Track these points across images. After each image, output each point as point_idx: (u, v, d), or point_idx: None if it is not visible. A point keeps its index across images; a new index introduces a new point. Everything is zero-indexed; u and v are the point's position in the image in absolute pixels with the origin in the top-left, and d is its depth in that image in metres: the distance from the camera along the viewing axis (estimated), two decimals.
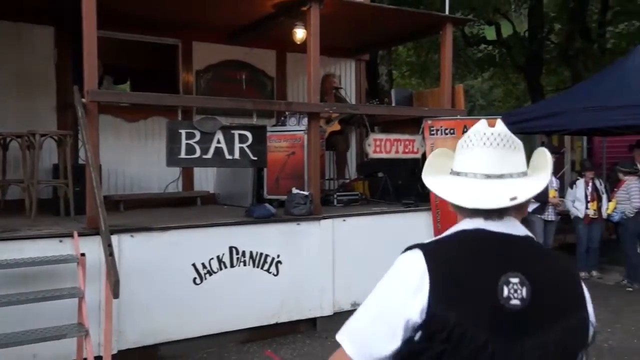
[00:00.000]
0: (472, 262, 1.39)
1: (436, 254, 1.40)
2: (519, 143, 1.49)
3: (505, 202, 1.40)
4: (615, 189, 7.92)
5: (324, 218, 5.95)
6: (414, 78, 22.47)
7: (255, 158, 5.58)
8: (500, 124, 1.50)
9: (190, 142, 5.25)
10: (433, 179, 1.56)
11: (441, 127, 6.71)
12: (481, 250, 1.41)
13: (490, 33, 18.63)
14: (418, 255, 1.41)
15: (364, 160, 8.85)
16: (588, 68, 17.13)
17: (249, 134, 5.50)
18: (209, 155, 5.36)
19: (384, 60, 15.26)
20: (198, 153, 5.29)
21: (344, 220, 6.10)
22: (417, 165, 7.44)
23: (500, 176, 1.45)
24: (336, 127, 7.44)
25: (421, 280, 1.36)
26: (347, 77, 8.73)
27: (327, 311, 5.99)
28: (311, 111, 5.91)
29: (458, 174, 1.50)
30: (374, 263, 6.25)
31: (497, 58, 18.51)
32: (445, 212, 6.64)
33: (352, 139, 8.34)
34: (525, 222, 7.21)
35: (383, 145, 6.44)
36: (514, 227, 1.45)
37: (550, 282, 1.39)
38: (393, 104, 7.56)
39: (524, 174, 1.48)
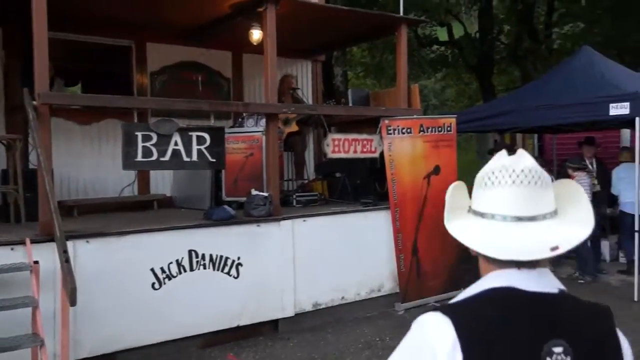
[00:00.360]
0: (509, 330, 1.21)
1: (467, 320, 1.22)
2: (547, 178, 1.31)
3: (546, 253, 1.24)
4: None
5: (284, 219, 5.93)
6: (369, 79, 22.66)
7: (214, 160, 5.52)
8: (526, 157, 1.32)
9: (147, 144, 5.15)
10: (456, 224, 1.41)
11: (398, 126, 6.78)
12: (517, 314, 1.23)
13: (442, 34, 18.96)
14: (445, 322, 1.22)
15: (322, 160, 8.88)
16: (537, 68, 17.62)
17: (206, 136, 5.44)
18: (167, 157, 5.27)
19: (339, 61, 15.34)
20: (155, 156, 5.20)
21: (304, 220, 6.09)
22: (374, 164, 7.52)
23: (533, 218, 1.28)
24: (294, 128, 7.43)
25: (452, 353, 1.18)
26: (304, 78, 8.73)
27: (289, 312, 5.97)
28: (269, 112, 5.88)
29: (482, 215, 1.33)
30: (335, 262, 6.31)
31: (450, 58, 18.86)
32: (404, 211, 6.73)
33: (309, 139, 8.35)
34: None
35: (341, 145, 6.46)
36: (548, 281, 1.29)
37: (593, 346, 1.26)
38: (350, 105, 7.61)
39: (555, 212, 1.31)
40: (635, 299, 6.79)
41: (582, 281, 7.82)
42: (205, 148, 5.43)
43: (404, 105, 7.07)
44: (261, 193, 5.86)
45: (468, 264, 7.68)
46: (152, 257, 5.13)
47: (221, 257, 5.52)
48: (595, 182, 8.21)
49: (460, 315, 1.23)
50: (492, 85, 18.81)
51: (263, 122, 6.64)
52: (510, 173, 1.29)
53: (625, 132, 11.35)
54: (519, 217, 1.27)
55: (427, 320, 1.25)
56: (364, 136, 6.66)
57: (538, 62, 17.87)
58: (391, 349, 1.32)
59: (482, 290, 1.28)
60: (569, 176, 8.22)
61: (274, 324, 5.97)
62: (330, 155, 6.40)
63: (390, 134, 6.74)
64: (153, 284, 5.13)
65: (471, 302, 1.27)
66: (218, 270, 5.52)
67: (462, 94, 23.38)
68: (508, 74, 21.04)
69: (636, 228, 7.22)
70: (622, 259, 9.06)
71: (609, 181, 8.53)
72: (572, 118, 7.53)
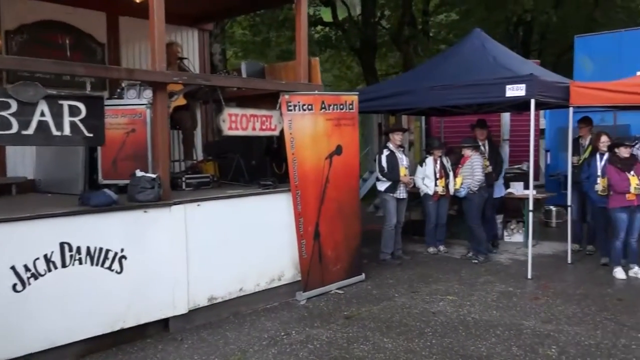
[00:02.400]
0: None
1: None
2: None
3: None
4: (460, 165, 8.09)
5: (175, 204, 5.18)
6: (250, 58, 21.85)
7: (91, 135, 4.65)
8: None
9: (5, 114, 4.18)
10: None
11: (299, 102, 6.23)
12: None
13: (326, 14, 18.65)
14: None
15: (212, 139, 8.14)
16: (418, 53, 17.89)
17: (82, 106, 4.54)
18: (30, 131, 4.32)
19: (217, 38, 14.47)
20: (15, 128, 4.24)
21: (198, 205, 5.37)
22: (271, 144, 6.93)
23: None
24: (181, 101, 6.63)
25: None
26: (190, 47, 7.91)
27: (181, 309, 5.25)
28: (157, 80, 5.06)
29: None
30: (233, 251, 5.68)
31: (334, 40, 18.58)
32: (306, 194, 6.22)
33: (198, 116, 7.55)
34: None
35: (239, 121, 5.79)
36: None
37: None
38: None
39: None
40: (529, 276, 6.86)
41: (475, 261, 7.81)
42: (81, 120, 4.54)
43: (304, 79, 6.53)
44: (148, 174, 5.06)
45: (366, 247, 7.37)
46: (13, 253, 4.19)
47: (101, 249, 4.67)
48: (487, 163, 8.21)
49: None
50: (375, 69, 18.85)
51: (147, 93, 5.79)
52: None
53: (505, 116, 11.69)
54: None
55: None
56: (264, 112, 6.03)
57: (420, 48, 18.14)
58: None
59: None
60: (462, 157, 8.18)
61: (164, 323, 5.22)
62: (227, 132, 5.71)
63: (291, 110, 6.17)
64: (14, 285, 4.20)
65: None
66: (97, 265, 4.67)
67: (343, 77, 23.30)
68: (391, 58, 21.25)
69: (530, 208, 7.30)
70: (507, 238, 9.29)
71: (501, 163, 8.63)
72: (469, 99, 7.41)
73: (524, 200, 8.76)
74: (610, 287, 6.50)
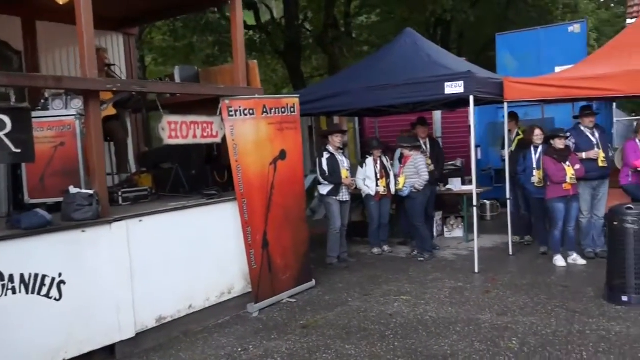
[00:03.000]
0: None
1: None
2: None
3: None
4: (401, 165, 8.07)
5: (116, 220, 4.81)
6: (169, 65, 21.20)
7: (19, 150, 4.22)
8: None
9: None
10: None
11: (240, 107, 5.98)
12: None
13: (249, 18, 18.36)
14: None
15: (145, 149, 7.74)
16: (344, 55, 17.93)
17: (6, 119, 4.12)
18: None
19: (136, 44, 13.93)
20: None
21: (140, 220, 5.03)
22: (211, 151, 6.66)
23: None
24: (111, 111, 6.23)
25: None
26: (116, 53, 7.46)
27: (128, 333, 4.89)
28: (89, 88, 4.69)
29: None
30: (180, 267, 5.37)
31: (258, 43, 18.33)
32: (252, 201, 5.99)
33: (128, 125, 7.13)
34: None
35: (179, 129, 5.47)
36: None
37: None
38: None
39: None
40: (477, 270, 6.93)
41: (422, 259, 7.82)
42: (7, 135, 4.12)
43: (243, 83, 6.29)
44: (84, 191, 4.67)
45: (313, 252, 7.21)
46: None
47: (36, 276, 4.26)
48: (429, 161, 8.25)
49: None
50: (301, 71, 18.74)
51: (75, 103, 5.41)
52: None
53: (437, 114, 11.88)
54: None
55: None
56: (204, 118, 5.74)
57: (345, 49, 18.19)
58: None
59: None
60: (401, 156, 8.18)
61: (109, 350, 4.84)
62: (167, 141, 5.38)
63: (232, 115, 5.92)
64: None
65: None
66: (33, 293, 4.25)
67: (269, 81, 23.06)
68: (315, 60, 21.22)
69: (475, 203, 7.38)
70: (448, 234, 9.40)
71: (443, 160, 8.71)
72: (408, 98, 7.39)
73: (462, 195, 8.90)
74: (553, 274, 6.67)
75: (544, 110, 10.84)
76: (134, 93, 6.14)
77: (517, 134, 8.13)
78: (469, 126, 12.87)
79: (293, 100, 6.61)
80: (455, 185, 8.98)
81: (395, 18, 20.56)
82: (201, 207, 5.64)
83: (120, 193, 5.81)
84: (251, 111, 6.09)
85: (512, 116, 8.23)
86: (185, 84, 5.85)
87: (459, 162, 10.84)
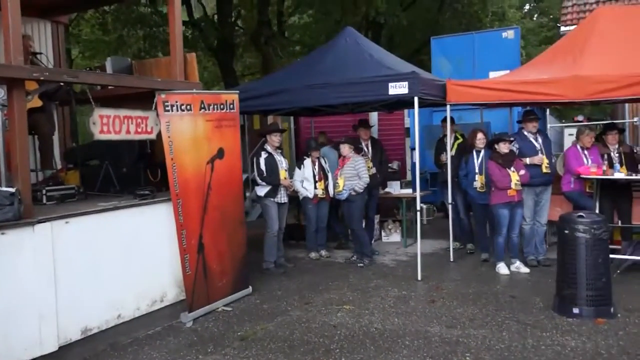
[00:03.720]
0: None
1: None
2: None
3: None
4: (339, 167, 7.91)
5: (40, 222, 4.37)
6: (97, 59, 20.25)
7: None
8: None
9: None
10: None
11: (177, 102, 5.63)
12: None
13: (181, 13, 17.79)
14: None
15: (72, 145, 7.21)
16: (278, 54, 17.67)
17: None
18: None
19: None
20: None
21: (67, 222, 4.60)
22: (144, 148, 6.27)
23: None
24: (36, 102, 5.72)
25: None
26: (42, 42, 6.90)
27: (50, 346, 4.46)
28: (13, 76, 4.22)
29: None
30: (108, 273, 4.99)
31: (190, 39, 17.76)
32: (187, 203, 5.65)
33: (55, 118, 6.60)
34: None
35: (112, 124, 5.06)
36: None
37: None
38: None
39: None
40: (419, 278, 6.83)
41: (361, 265, 7.67)
42: None
43: (180, 77, 5.94)
44: (4, 189, 4.21)
45: (247, 256, 6.90)
46: None
47: None
48: (371, 164, 8.14)
49: None
50: (234, 70, 18.34)
51: None
52: None
53: (373, 116, 11.86)
54: None
55: None
56: (138, 113, 5.36)
57: (279, 49, 17.93)
58: None
59: None
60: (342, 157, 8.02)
61: None
62: (98, 136, 4.96)
63: (168, 111, 5.56)
64: None
65: None
66: None
67: (200, 78, 22.42)
68: (247, 59, 20.84)
69: (418, 207, 7.29)
70: (385, 238, 9.33)
71: (385, 163, 8.62)
72: (350, 97, 7.23)
73: (401, 199, 8.85)
74: (498, 283, 6.58)
75: (473, 115, 11.04)
76: (62, 84, 5.67)
77: (456, 138, 8.12)
78: (406, 128, 13.11)
79: (232, 96, 6.32)
80: (394, 188, 8.93)
81: (327, 19, 20.54)
82: (133, 208, 5.26)
83: (44, 191, 5.34)
84: (188, 107, 5.75)
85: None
86: (120, 75, 5.44)
87: (395, 165, 10.84)
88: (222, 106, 6.13)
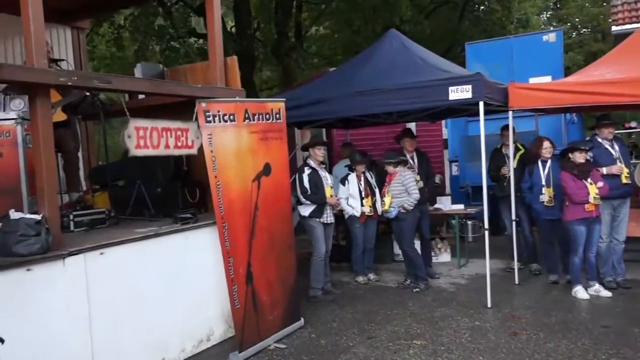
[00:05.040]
0: None
1: None
2: None
3: None
4: (386, 183, 7.17)
5: (71, 254, 3.68)
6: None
7: None
8: None
9: None
10: None
11: (219, 111, 4.95)
12: None
13: (199, 26, 17.27)
14: None
15: (97, 163, 6.54)
16: (300, 66, 17.08)
17: None
18: None
19: None
20: None
21: (101, 253, 3.91)
22: (180, 165, 5.59)
23: None
24: (60, 116, 5.07)
25: None
26: (62, 49, 6.27)
27: None
28: (37, 81, 3.56)
29: None
30: (151, 308, 4.25)
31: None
32: (234, 226, 4.94)
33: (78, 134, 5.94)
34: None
35: (149, 137, 4.37)
36: None
37: None
38: None
39: None
40: (489, 304, 6.05)
41: (417, 290, 6.87)
42: None
43: (221, 83, 5.28)
44: (29, 216, 3.53)
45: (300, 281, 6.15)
46: None
47: None
48: (418, 177, 7.39)
49: None
50: (254, 82, 17.74)
51: (16, 103, 4.25)
52: None
53: (411, 126, 11.12)
54: None
55: None
56: (178, 124, 4.67)
57: (301, 61, 17.34)
58: None
59: None
60: (386, 174, 7.31)
61: None
62: (134, 152, 4.27)
63: (210, 121, 4.88)
64: None
65: None
66: None
67: None
68: (268, 72, 20.29)
69: (486, 226, 6.54)
70: (435, 259, 8.55)
71: (433, 176, 7.89)
72: (403, 104, 6.48)
73: (452, 216, 8.11)
74: (581, 310, 5.78)
75: (524, 122, 10.30)
76: (86, 94, 5.01)
77: (517, 148, 7.33)
78: (444, 140, 12.38)
79: (278, 105, 5.62)
80: (444, 204, 8.18)
81: (344, 31, 19.98)
82: (175, 235, 4.57)
83: (72, 217, 4.66)
84: (232, 116, 5.06)
85: (507, 128, 7.50)
86: (158, 81, 4.76)
87: (437, 179, 10.09)
88: (267, 116, 5.44)
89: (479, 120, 6.05)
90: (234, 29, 18.28)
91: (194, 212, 4.89)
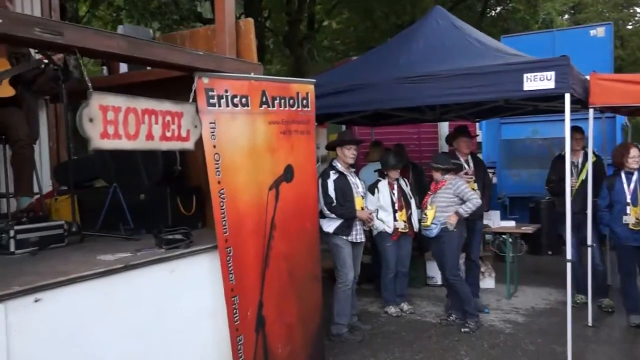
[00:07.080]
0: None
1: None
2: None
3: None
4: (430, 192, 5.76)
5: None
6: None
7: None
8: None
9: None
10: None
11: (227, 90, 3.56)
12: None
13: (206, 10, 15.93)
14: None
15: (64, 160, 5.11)
16: (313, 57, 15.76)
17: None
18: None
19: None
20: None
21: (37, 300, 2.49)
22: (172, 163, 4.18)
23: None
24: (7, 91, 3.68)
25: None
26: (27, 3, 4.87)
27: None
28: None
29: None
30: None
31: None
32: (241, 252, 3.55)
33: (41, 118, 4.53)
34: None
35: (122, 122, 2.95)
36: None
37: None
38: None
39: None
40: (569, 357, 4.64)
41: (467, 330, 5.47)
42: None
43: (231, 52, 3.87)
44: None
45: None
46: None
47: None
48: (475, 186, 5.99)
49: None
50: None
51: None
52: None
53: (444, 126, 9.73)
54: None
55: None
56: (167, 106, 3.25)
57: (315, 51, 16.00)
58: None
59: None
60: (430, 181, 5.94)
61: None
62: (97, 142, 2.83)
63: (214, 104, 3.50)
64: None
65: None
66: None
67: None
68: (278, 64, 19.00)
69: (569, 255, 5.14)
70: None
71: (490, 185, 6.50)
72: (464, 95, 5.01)
73: (503, 234, 6.70)
74: None
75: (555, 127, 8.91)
76: (45, 63, 3.59)
77: (585, 156, 5.92)
78: (479, 142, 11.00)
79: (307, 87, 4.20)
80: (493, 220, 6.74)
81: (360, 24, 18.77)
82: (157, 266, 3.13)
83: (12, 232, 3.25)
84: (244, 99, 3.67)
85: (581, 132, 6.08)
86: (140, 40, 3.31)
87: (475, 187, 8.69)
88: (291, 101, 4.03)
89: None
90: (242, 17, 16.99)
91: (187, 232, 3.46)
